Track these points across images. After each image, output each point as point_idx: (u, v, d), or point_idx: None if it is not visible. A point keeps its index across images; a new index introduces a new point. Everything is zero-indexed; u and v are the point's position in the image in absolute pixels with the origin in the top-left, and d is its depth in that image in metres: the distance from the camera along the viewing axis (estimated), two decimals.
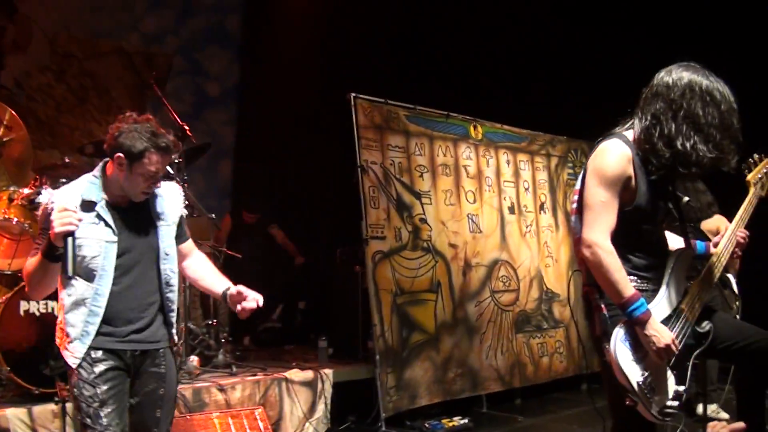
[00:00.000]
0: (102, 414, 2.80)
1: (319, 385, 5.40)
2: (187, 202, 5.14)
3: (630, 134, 2.75)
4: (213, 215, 5.99)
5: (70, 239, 2.65)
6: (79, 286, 2.82)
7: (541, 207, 7.11)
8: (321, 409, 5.36)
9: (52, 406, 4.14)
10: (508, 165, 6.89)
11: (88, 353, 2.82)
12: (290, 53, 8.27)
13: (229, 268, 6.98)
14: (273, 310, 7.17)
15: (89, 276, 2.82)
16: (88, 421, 2.81)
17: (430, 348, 5.87)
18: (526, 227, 6.89)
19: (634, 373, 2.58)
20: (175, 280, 3.05)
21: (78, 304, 2.83)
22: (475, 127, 6.64)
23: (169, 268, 3.01)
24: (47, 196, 2.87)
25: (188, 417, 4.49)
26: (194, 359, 5.16)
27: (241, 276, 6.81)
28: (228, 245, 6.55)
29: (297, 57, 8.19)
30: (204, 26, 8.73)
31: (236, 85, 8.94)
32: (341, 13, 7.88)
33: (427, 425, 5.50)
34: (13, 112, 5.01)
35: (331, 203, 7.18)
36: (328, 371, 5.52)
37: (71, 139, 7.54)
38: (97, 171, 2.95)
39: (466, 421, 5.62)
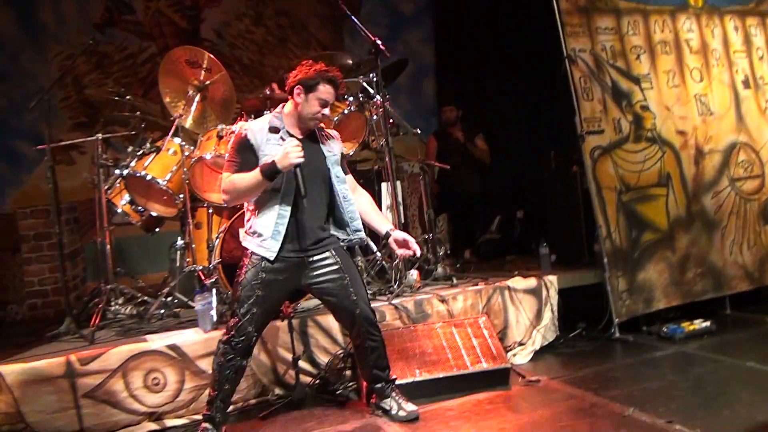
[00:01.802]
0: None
1: (544, 293, 5.14)
2: (391, 121, 5.10)
3: None
4: (418, 130, 5.85)
5: (298, 168, 3.43)
6: (272, 196, 3.53)
7: None
8: (548, 316, 5.10)
9: (277, 323, 4.28)
10: (737, 32, 6.05)
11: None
12: None
13: (441, 184, 6.94)
14: (491, 222, 7.01)
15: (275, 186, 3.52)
16: None
17: (665, 247, 5.40)
18: (766, 102, 6.03)
19: None
20: (350, 196, 3.76)
21: (270, 210, 3.53)
22: None
23: (343, 187, 3.72)
24: (239, 125, 3.73)
25: (412, 327, 4.45)
26: (414, 273, 5.10)
27: (453, 193, 6.79)
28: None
29: None
30: None
31: (430, 0, 8.67)
32: None
33: (665, 329, 5.08)
34: (211, 56, 5.14)
35: (540, 102, 6.76)
36: (552, 278, 5.24)
37: (276, 78, 7.74)
38: (278, 110, 3.71)
39: (708, 323, 5.11)
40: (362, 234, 3.82)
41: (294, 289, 3.78)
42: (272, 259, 3.52)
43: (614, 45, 5.47)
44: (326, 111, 3.63)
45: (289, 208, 3.55)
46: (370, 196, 3.96)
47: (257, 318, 3.53)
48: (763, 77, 6.09)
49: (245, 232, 3.63)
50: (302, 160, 3.43)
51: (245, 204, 3.69)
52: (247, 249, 3.62)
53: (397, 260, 5.00)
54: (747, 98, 5.96)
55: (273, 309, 3.69)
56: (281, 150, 3.44)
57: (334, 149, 3.78)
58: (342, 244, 3.77)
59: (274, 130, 3.58)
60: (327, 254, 3.68)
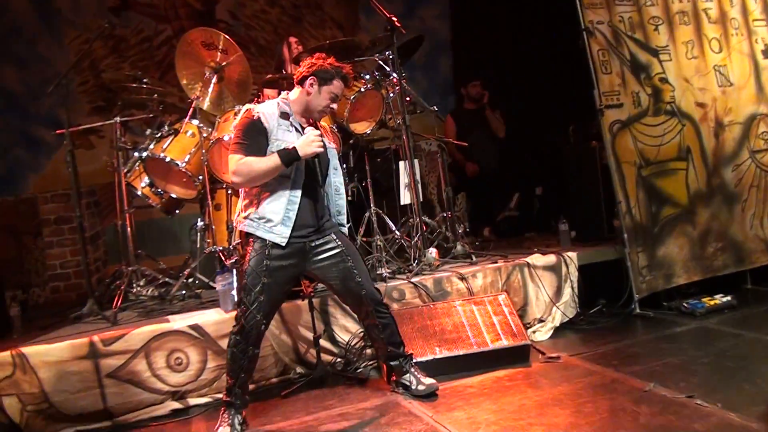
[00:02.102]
0: None
1: (564, 269, 5.13)
2: (408, 98, 5.09)
3: None
4: (435, 107, 5.83)
5: (317, 157, 3.57)
6: (283, 182, 3.55)
7: None
8: (568, 293, 5.09)
9: (298, 302, 4.31)
10: (756, 0, 5.91)
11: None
12: None
13: (456, 162, 6.93)
14: (510, 199, 6.98)
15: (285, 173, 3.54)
16: None
17: (685, 222, 5.35)
18: None
19: None
20: (342, 189, 3.88)
21: (281, 195, 3.55)
22: None
23: (338, 180, 3.83)
24: (246, 107, 3.66)
25: (431, 305, 4.46)
26: (433, 251, 5.09)
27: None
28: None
29: None
30: None
31: None
32: None
33: (686, 305, 5.04)
34: (227, 36, 5.14)
35: (557, 77, 6.69)
36: (572, 254, 5.22)
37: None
38: (283, 96, 3.75)
39: (729, 298, 5.07)
40: (345, 229, 3.87)
41: (299, 274, 3.80)
42: (284, 244, 3.52)
43: (632, 16, 5.38)
44: (334, 105, 3.73)
45: (299, 195, 3.57)
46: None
47: (265, 305, 3.52)
48: None
49: (246, 218, 3.59)
50: (323, 149, 3.53)
51: (241, 190, 3.68)
52: (248, 236, 3.59)
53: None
54: (767, 68, 5.83)
55: (280, 295, 3.67)
56: (305, 138, 3.49)
57: (331, 142, 3.86)
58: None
59: (284, 115, 3.63)
60: (328, 238, 3.70)
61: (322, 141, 3.52)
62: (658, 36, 5.45)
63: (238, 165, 3.48)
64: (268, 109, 3.60)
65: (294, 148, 3.47)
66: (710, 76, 5.61)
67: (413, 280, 4.74)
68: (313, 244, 3.66)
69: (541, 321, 4.94)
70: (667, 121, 5.39)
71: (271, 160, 3.46)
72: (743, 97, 5.71)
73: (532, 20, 7.17)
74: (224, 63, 5.17)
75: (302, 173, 3.59)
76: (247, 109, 3.61)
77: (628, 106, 5.26)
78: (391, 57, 5.23)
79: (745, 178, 5.63)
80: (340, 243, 3.72)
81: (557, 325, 4.93)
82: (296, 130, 3.62)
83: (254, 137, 3.52)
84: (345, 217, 3.88)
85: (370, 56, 5.34)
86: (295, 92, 3.71)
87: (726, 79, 5.67)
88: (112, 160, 5.25)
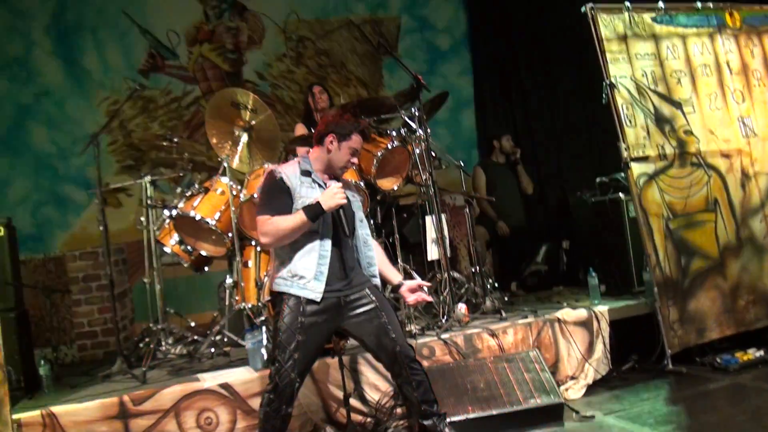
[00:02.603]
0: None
1: (595, 324, 5.06)
2: (434, 154, 5.13)
3: None
4: (461, 162, 5.87)
5: (341, 209, 3.57)
6: (311, 238, 3.57)
7: None
8: (600, 349, 5.02)
9: (327, 360, 4.28)
10: None
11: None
12: None
13: (486, 216, 6.93)
14: (537, 253, 6.94)
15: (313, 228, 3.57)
16: None
17: (716, 274, 5.30)
18: None
19: None
20: (370, 241, 3.88)
21: (311, 251, 3.57)
22: (731, 14, 5.83)
23: (364, 232, 3.83)
24: (271, 167, 3.75)
25: (462, 363, 4.42)
26: (462, 307, 5.06)
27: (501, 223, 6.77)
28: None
29: None
30: None
31: (465, 34, 8.75)
32: None
33: (719, 360, 4.96)
34: (256, 96, 5.23)
35: (582, 131, 6.73)
36: (603, 309, 5.16)
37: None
38: (304, 155, 3.81)
39: (762, 353, 5.00)
40: (377, 280, 3.85)
41: (333, 331, 3.77)
42: (318, 299, 3.52)
43: (654, 70, 5.42)
44: (355, 159, 3.77)
45: (329, 249, 3.60)
46: (381, 248, 4.03)
47: (299, 363, 3.50)
48: None
49: (279, 277, 3.60)
50: (346, 201, 3.56)
51: (271, 251, 3.73)
52: (281, 295, 3.60)
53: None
54: None
55: (314, 353, 3.65)
56: (327, 191, 3.53)
57: (356, 195, 3.92)
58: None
59: (306, 173, 3.69)
60: (363, 293, 3.69)
61: (345, 193, 3.56)
62: (681, 88, 5.48)
63: (266, 226, 3.53)
64: (288, 169, 3.68)
65: (317, 202, 3.51)
66: (734, 127, 5.62)
67: (443, 336, 4.70)
68: (347, 299, 3.65)
69: (573, 378, 4.85)
70: (694, 173, 5.39)
71: (297, 217, 3.50)
72: None
73: (557, 72, 7.25)
74: (253, 122, 5.25)
75: (330, 227, 3.62)
76: (269, 171, 3.69)
77: (654, 158, 5.26)
78: (417, 113, 5.28)
79: None
80: (374, 298, 3.70)
81: (590, 382, 4.84)
82: (319, 186, 3.67)
83: (278, 197, 3.58)
84: (376, 268, 3.87)
85: (396, 113, 5.40)
86: (316, 150, 3.76)
87: (750, 130, 5.68)
88: (140, 218, 5.31)
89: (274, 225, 3.51)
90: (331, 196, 3.51)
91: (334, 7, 8.29)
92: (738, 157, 5.58)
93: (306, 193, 3.61)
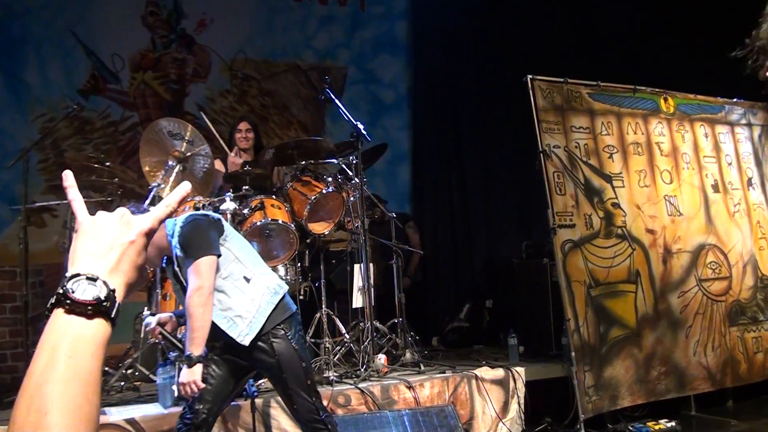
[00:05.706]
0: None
1: (512, 384, 5.11)
2: (369, 202, 5.14)
3: None
4: (393, 213, 5.92)
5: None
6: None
7: (749, 183, 6.38)
8: (514, 408, 5.06)
9: (240, 401, 4.17)
10: (707, 138, 6.26)
11: None
12: (462, 48, 8.16)
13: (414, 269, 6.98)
14: (460, 310, 7.00)
15: None
16: None
17: (632, 344, 5.41)
18: (734, 206, 6.20)
19: None
20: None
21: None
22: (666, 100, 6.10)
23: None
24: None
25: (378, 413, 4.38)
26: (382, 357, 5.06)
27: (426, 276, 6.82)
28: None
29: (468, 51, 8.04)
30: (373, 36, 8.79)
31: (409, 90, 8.89)
32: None
33: (630, 428, 5.06)
34: (193, 127, 5.19)
35: (513, 194, 6.89)
36: (520, 369, 5.22)
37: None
38: None
39: (673, 424, 5.10)
40: None
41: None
42: None
43: (587, 143, 5.61)
44: None
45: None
46: None
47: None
48: (732, 182, 6.27)
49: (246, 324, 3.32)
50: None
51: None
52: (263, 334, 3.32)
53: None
54: (716, 202, 6.11)
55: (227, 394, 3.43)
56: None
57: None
58: None
59: None
60: None
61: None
62: (612, 163, 5.67)
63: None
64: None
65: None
66: (660, 205, 5.82)
67: (360, 385, 4.67)
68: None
69: None
70: (618, 244, 5.54)
71: None
72: (693, 227, 5.92)
73: (492, 137, 7.44)
74: (189, 153, 5.19)
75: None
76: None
77: (581, 227, 5.40)
78: (354, 162, 5.33)
79: (691, 305, 5.75)
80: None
81: None
82: None
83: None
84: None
85: (334, 159, 5.44)
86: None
87: (676, 209, 5.89)
88: (63, 240, 5.16)
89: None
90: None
91: (282, 50, 8.32)
92: (662, 233, 5.77)
93: None
